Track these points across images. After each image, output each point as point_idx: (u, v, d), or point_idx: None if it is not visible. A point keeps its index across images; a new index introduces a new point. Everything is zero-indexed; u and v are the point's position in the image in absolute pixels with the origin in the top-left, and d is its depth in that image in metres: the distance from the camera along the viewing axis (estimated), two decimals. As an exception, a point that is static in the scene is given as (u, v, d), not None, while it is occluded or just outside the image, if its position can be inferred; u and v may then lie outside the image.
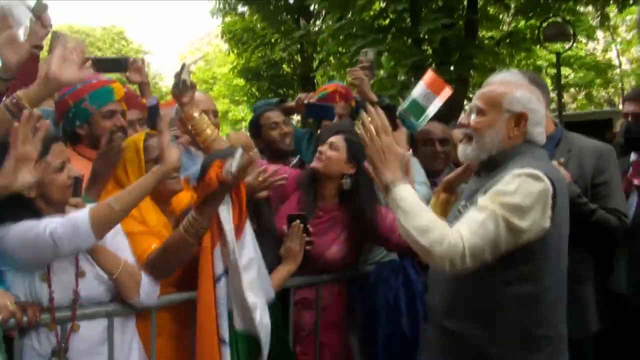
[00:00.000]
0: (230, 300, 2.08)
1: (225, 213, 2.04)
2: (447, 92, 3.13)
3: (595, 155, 2.60)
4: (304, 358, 2.59)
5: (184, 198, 2.40)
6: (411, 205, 1.84)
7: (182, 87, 2.55)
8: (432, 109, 3.20)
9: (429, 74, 3.33)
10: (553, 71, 18.64)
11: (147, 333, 2.16)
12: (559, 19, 10.79)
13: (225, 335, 2.06)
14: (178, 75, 2.57)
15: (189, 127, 2.68)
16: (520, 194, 1.77)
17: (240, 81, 19.20)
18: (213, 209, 2.01)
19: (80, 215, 1.80)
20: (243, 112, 24.52)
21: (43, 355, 1.90)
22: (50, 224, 1.79)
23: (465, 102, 11.91)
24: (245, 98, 18.32)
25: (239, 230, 2.08)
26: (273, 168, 2.57)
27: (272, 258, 2.44)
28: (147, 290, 2.04)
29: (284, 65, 16.13)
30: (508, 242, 1.77)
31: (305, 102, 3.28)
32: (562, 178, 1.96)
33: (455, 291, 1.96)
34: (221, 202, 2.03)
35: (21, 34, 2.30)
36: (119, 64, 2.99)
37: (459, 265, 1.76)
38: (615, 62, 20.43)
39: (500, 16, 11.99)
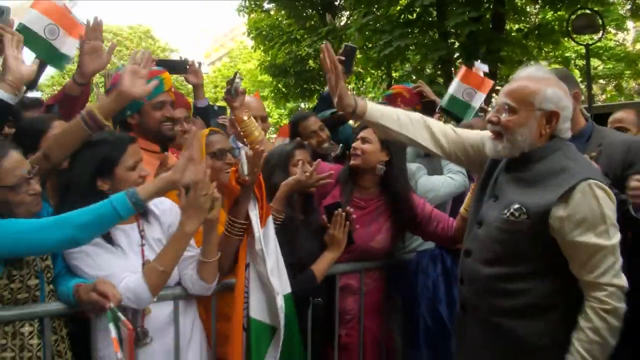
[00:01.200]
0: (249, 289, 2.25)
1: (252, 206, 2.26)
2: (487, 84, 3.25)
3: (624, 149, 2.64)
4: (348, 340, 2.75)
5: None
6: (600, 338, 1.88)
7: (233, 93, 2.75)
8: (477, 101, 3.33)
9: (462, 70, 3.44)
10: (581, 62, 18.41)
11: (204, 315, 2.35)
12: (587, 11, 10.67)
13: (244, 321, 2.24)
14: (230, 82, 2.78)
15: (239, 128, 2.87)
16: (609, 214, 1.89)
17: (266, 77, 19.36)
18: (244, 208, 2.24)
19: (139, 286, 1.97)
20: (269, 108, 24.73)
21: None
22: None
23: (493, 95, 11.89)
24: (272, 95, 18.48)
25: (262, 220, 2.26)
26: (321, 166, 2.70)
27: (315, 247, 2.61)
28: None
29: (310, 61, 16.24)
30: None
31: None
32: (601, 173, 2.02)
33: (510, 293, 1.99)
34: (249, 199, 2.24)
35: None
36: (180, 66, 3.17)
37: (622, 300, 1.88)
38: (646, 52, 20.04)
39: (528, 8, 11.91)
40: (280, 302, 2.22)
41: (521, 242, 1.97)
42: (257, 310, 2.24)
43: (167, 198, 2.29)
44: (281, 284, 2.27)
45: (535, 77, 2.04)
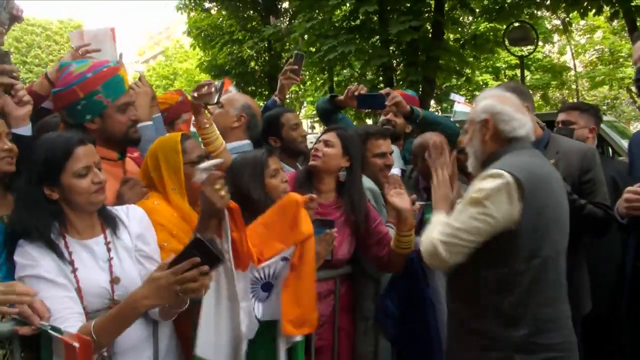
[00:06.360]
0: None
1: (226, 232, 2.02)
2: None
3: (580, 156, 2.84)
4: (322, 343, 2.71)
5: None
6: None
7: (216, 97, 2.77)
8: None
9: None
10: (511, 73, 19.32)
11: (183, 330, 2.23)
12: (517, 24, 11.19)
13: None
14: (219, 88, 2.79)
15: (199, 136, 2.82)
16: (482, 191, 2.04)
17: (204, 77, 19.04)
18: (210, 229, 1.99)
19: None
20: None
21: None
22: None
23: (432, 101, 12.24)
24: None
25: (243, 260, 2.06)
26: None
27: None
28: None
29: (252, 63, 16.14)
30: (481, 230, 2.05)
31: (357, 94, 3.37)
32: (535, 173, 2.10)
33: (451, 277, 2.28)
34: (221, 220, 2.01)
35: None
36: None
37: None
38: (570, 64, 21.24)
39: (462, 19, 12.35)
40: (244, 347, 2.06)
41: None
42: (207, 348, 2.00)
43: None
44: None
45: (480, 95, 2.36)
